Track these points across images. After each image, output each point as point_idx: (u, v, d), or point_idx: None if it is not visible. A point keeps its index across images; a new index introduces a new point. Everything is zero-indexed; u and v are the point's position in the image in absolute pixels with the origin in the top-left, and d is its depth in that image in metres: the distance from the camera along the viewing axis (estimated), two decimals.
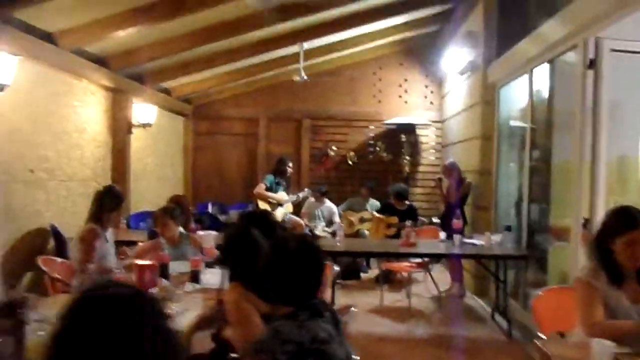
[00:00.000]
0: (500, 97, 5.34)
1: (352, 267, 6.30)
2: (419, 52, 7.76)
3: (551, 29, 3.96)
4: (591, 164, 3.56)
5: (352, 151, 7.97)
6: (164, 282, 2.79)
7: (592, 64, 3.53)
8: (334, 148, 7.96)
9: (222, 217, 6.71)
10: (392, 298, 5.34)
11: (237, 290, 1.88)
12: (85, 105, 5.23)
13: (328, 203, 7.02)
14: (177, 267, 3.05)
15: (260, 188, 6.30)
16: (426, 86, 7.91)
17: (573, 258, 3.70)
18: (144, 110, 6.05)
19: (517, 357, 3.86)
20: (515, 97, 5.04)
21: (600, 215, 3.53)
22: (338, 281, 5.31)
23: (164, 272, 2.93)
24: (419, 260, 5.18)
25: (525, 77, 4.65)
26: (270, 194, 6.34)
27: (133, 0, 4.30)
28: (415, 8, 6.26)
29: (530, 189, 4.59)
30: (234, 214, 6.83)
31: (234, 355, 1.90)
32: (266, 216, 2.31)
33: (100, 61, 5.15)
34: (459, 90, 6.64)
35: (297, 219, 6.57)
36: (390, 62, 7.91)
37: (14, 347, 1.54)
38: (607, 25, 3.35)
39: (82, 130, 5.18)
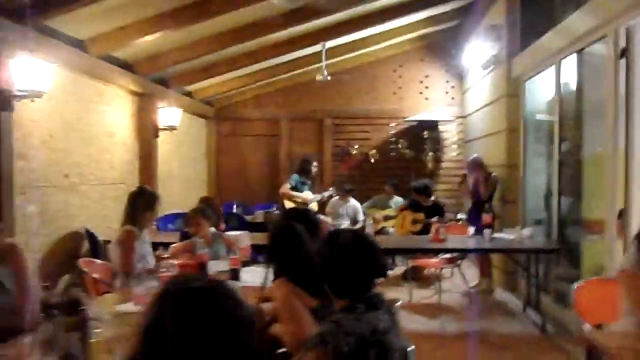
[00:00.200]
0: (526, 91, 5.30)
1: None
2: (439, 47, 7.73)
3: (579, 20, 3.92)
4: (625, 153, 3.52)
5: (374, 149, 7.97)
6: None
7: (624, 54, 3.49)
8: (356, 146, 7.98)
9: (247, 218, 6.78)
10: (420, 295, 5.34)
11: (285, 286, 1.91)
12: (114, 110, 5.34)
13: (352, 201, 7.03)
14: (214, 266, 3.11)
15: (286, 188, 6.36)
16: (447, 81, 7.88)
17: (608, 250, 3.66)
18: (169, 114, 6.14)
19: (552, 351, 3.83)
20: (542, 89, 5.00)
21: (636, 206, 3.50)
22: None
23: (202, 271, 2.98)
24: (448, 256, 5.17)
25: (552, 69, 4.60)
26: (295, 193, 6.38)
27: (158, 6, 4.38)
28: (436, 3, 6.25)
29: (560, 182, 4.55)
30: (259, 214, 6.90)
31: (281, 350, 1.94)
32: (308, 213, 2.34)
33: (127, 66, 5.25)
34: (481, 85, 6.60)
35: (323, 217, 6.60)
36: (410, 58, 7.89)
37: (80, 344, 1.60)
38: (638, 14, 3.31)
39: (112, 134, 5.28)
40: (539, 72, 4.92)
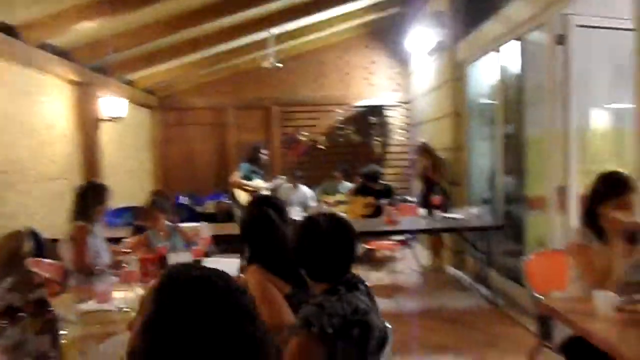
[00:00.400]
0: (469, 75, 5.51)
1: None
2: (383, 34, 7.85)
3: (518, 8, 4.12)
4: (564, 134, 3.77)
5: (322, 135, 8.02)
6: None
7: (561, 40, 3.71)
8: (304, 133, 7.99)
9: (197, 209, 6.66)
10: (374, 276, 5.48)
11: (259, 272, 1.92)
12: (52, 101, 5.04)
13: (303, 188, 7.06)
14: (174, 259, 3.04)
15: (236, 177, 6.28)
16: (392, 67, 8.02)
17: (550, 224, 3.92)
18: (111, 104, 5.88)
19: (503, 321, 4.07)
20: (485, 74, 5.21)
21: (573, 183, 3.76)
22: None
23: (162, 264, 2.91)
24: (400, 237, 5.33)
25: (494, 54, 4.81)
26: (246, 182, 6.33)
27: None
28: None
29: (503, 163, 4.80)
30: (210, 204, 6.79)
31: None
32: (275, 200, 2.34)
33: (64, 54, 4.96)
34: (426, 70, 6.78)
35: None
36: (355, 45, 7.97)
37: (50, 345, 1.53)
38: (573, 2, 3.52)
39: (51, 126, 5.00)
40: (482, 57, 5.12)
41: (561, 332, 2.39)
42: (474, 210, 4.85)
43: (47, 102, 4.94)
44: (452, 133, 5.75)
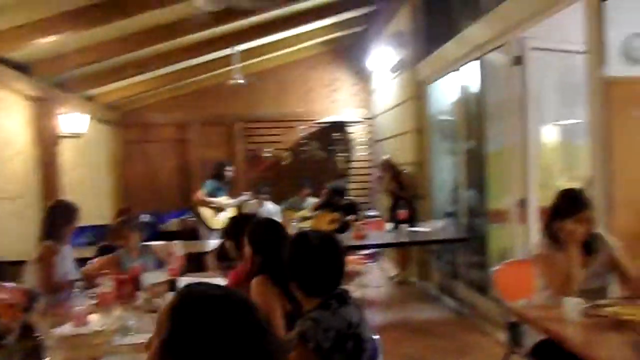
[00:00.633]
0: (431, 93, 5.71)
1: None
2: (346, 51, 8.03)
3: (478, 30, 4.34)
4: (523, 149, 3.97)
5: (286, 151, 8.07)
6: (140, 294, 2.73)
7: (518, 61, 3.94)
8: (268, 149, 8.01)
9: (161, 227, 6.53)
10: None
11: (265, 283, 1.92)
12: (8, 117, 4.87)
13: (269, 204, 7.06)
14: (149, 279, 2.99)
15: (201, 194, 6.23)
16: (354, 84, 8.20)
17: (511, 236, 4.10)
18: (72, 120, 5.72)
19: (469, 330, 4.20)
20: (446, 92, 5.42)
21: (533, 196, 3.97)
22: None
23: (136, 284, 2.86)
24: (367, 251, 5.42)
25: (455, 73, 5.03)
26: (211, 199, 6.28)
27: (61, 4, 4.08)
28: (342, 10, 6.49)
29: (466, 177, 4.98)
30: (174, 222, 6.68)
31: None
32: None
33: (23, 69, 4.81)
34: (388, 88, 6.98)
35: None
36: (318, 62, 8.10)
37: None
38: (530, 26, 3.75)
39: (8, 143, 4.81)
40: (443, 76, 5.33)
41: (529, 339, 2.51)
42: (439, 223, 5.00)
43: (4, 118, 4.77)
44: (415, 149, 5.93)
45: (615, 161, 3.01)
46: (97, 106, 6.76)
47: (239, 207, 6.78)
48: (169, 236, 5.87)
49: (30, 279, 2.97)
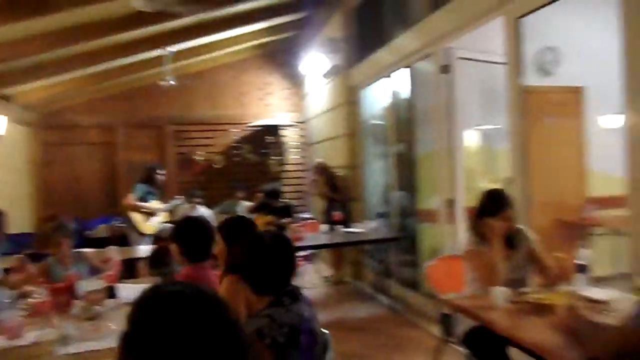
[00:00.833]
0: (363, 98, 5.92)
1: None
2: (278, 55, 8.08)
3: (408, 40, 4.58)
4: (450, 152, 4.24)
5: (218, 155, 7.98)
6: (78, 302, 2.63)
7: (445, 70, 4.20)
8: (200, 153, 7.88)
9: (88, 233, 6.24)
10: None
11: (234, 282, 1.91)
12: None
13: (201, 209, 6.95)
14: (82, 287, 2.87)
15: (131, 199, 6.02)
16: (286, 88, 8.27)
17: (440, 234, 4.36)
18: None
19: (404, 326, 4.40)
20: (378, 97, 5.65)
21: (460, 196, 4.24)
22: None
23: (72, 293, 2.75)
24: (303, 253, 5.50)
25: (386, 80, 5.25)
26: (142, 204, 6.09)
27: None
28: (274, 15, 6.56)
29: (397, 179, 5.21)
30: (102, 229, 6.40)
31: None
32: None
33: None
34: (321, 92, 7.12)
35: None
36: (251, 65, 8.10)
37: None
38: (456, 37, 4.02)
39: None
40: (374, 82, 5.54)
41: (460, 328, 2.71)
42: (372, 224, 5.19)
43: None
44: (347, 152, 6.11)
45: (531, 164, 3.32)
46: (15, 106, 6.33)
47: (171, 211, 6.63)
48: (96, 243, 5.63)
49: None
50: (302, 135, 8.29)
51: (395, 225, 5.24)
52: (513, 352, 2.40)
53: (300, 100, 8.27)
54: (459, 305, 2.44)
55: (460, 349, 2.86)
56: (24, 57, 5.02)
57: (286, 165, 8.30)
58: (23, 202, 6.82)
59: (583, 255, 2.41)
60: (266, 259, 1.69)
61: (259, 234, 1.79)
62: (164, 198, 6.55)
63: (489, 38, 3.83)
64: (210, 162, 7.94)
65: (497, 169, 4.94)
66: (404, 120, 5.13)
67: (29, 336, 2.11)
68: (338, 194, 5.89)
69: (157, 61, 6.35)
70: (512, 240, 2.71)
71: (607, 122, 4.98)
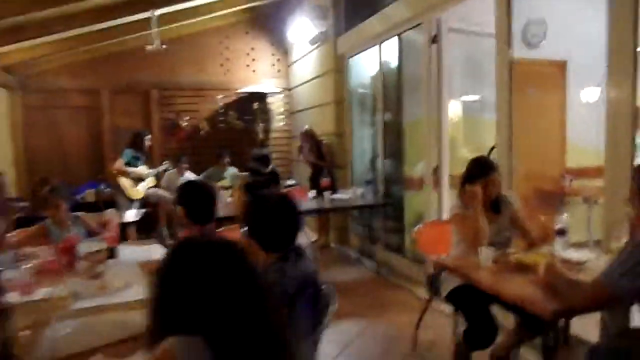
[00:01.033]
0: (351, 66, 5.96)
1: None
2: (265, 21, 8.00)
3: (398, 9, 4.61)
4: (437, 121, 4.36)
5: (204, 121, 7.96)
6: (80, 263, 2.72)
7: (435, 40, 4.28)
8: (186, 118, 7.85)
9: (77, 197, 6.25)
10: None
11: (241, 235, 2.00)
12: None
13: (188, 174, 7.00)
14: (84, 247, 2.95)
15: (120, 163, 6.06)
16: (273, 54, 8.23)
17: (426, 201, 4.52)
18: None
19: (388, 288, 4.61)
20: (366, 66, 5.70)
21: (445, 164, 4.39)
22: None
23: (72, 254, 2.82)
24: None
25: (375, 49, 5.30)
26: (130, 169, 6.12)
27: None
28: None
29: (384, 147, 5.34)
30: (89, 194, 6.42)
31: None
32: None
33: None
34: (307, 60, 7.12)
35: (162, 192, 6.47)
36: (236, 31, 8.00)
37: (4, 336, 1.51)
38: (446, 8, 4.09)
39: None
40: (363, 51, 5.59)
41: (445, 287, 2.88)
42: (359, 190, 5.33)
43: None
44: (334, 120, 6.18)
45: (514, 134, 3.46)
46: None
47: (157, 176, 6.67)
48: (84, 207, 5.65)
49: None
50: (287, 103, 8.30)
51: (382, 192, 5.39)
52: (494, 309, 2.59)
53: (286, 67, 8.25)
54: (446, 265, 2.60)
55: (446, 306, 3.06)
56: (2, 19, 4.89)
57: (272, 132, 8.33)
58: (6, 167, 6.74)
59: (562, 220, 2.58)
60: (272, 216, 1.80)
61: (262, 195, 1.89)
62: (150, 163, 6.58)
63: (477, 10, 3.91)
64: (196, 128, 7.93)
65: (477, 139, 5.09)
66: (392, 88, 5.21)
67: (39, 293, 2.20)
68: (324, 161, 6.00)
69: (141, 25, 6.23)
70: (497, 204, 2.87)
71: (587, 96, 5.15)
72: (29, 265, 2.39)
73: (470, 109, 5.24)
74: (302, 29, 6.81)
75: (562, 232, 2.56)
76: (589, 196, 4.70)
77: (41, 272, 2.43)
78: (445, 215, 4.16)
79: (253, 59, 8.18)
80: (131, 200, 6.06)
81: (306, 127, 6.50)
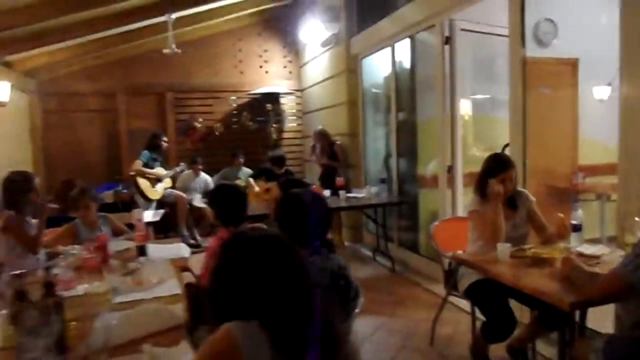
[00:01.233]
0: (364, 67, 6.05)
1: None
2: (277, 23, 8.11)
3: (411, 11, 4.70)
4: (451, 120, 4.45)
5: (218, 122, 8.09)
6: (113, 260, 2.84)
7: (448, 41, 4.36)
8: (200, 120, 7.98)
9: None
10: None
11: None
12: None
13: (203, 175, 7.14)
14: (114, 246, 3.08)
15: (137, 165, 6.20)
16: (285, 56, 8.34)
17: (441, 199, 4.61)
18: None
19: (403, 284, 4.70)
20: (379, 66, 5.79)
21: (459, 162, 4.47)
22: None
23: (104, 252, 2.94)
24: None
25: (388, 49, 5.39)
26: (148, 169, 6.26)
27: None
28: None
29: (397, 146, 5.42)
30: (108, 194, 6.56)
31: None
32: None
33: None
34: (319, 61, 7.21)
35: (179, 192, 6.61)
36: (249, 33, 8.13)
37: (58, 325, 1.62)
38: (459, 10, 4.17)
39: None
40: (376, 51, 5.68)
41: (463, 283, 2.97)
42: (373, 189, 5.42)
43: None
44: (348, 120, 6.28)
45: (528, 132, 3.53)
46: (15, 73, 6.35)
47: (174, 177, 6.81)
48: (102, 208, 5.79)
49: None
50: (298, 103, 8.41)
51: (396, 190, 5.48)
52: (512, 303, 2.68)
53: (298, 68, 8.36)
54: (466, 260, 2.69)
55: (463, 302, 3.15)
56: (25, 25, 5.04)
57: (284, 133, 8.45)
58: (24, 168, 6.90)
59: (577, 216, 2.66)
60: (305, 213, 1.90)
61: (296, 193, 1.99)
62: (166, 165, 6.72)
63: (489, 10, 3.99)
64: (210, 129, 8.06)
65: (489, 137, 5.14)
66: (405, 88, 5.30)
67: (80, 289, 2.32)
68: (336, 160, 6.10)
69: (156, 28, 6.38)
70: (513, 201, 2.95)
71: (599, 93, 5.21)
72: (67, 262, 2.51)
73: (479, 108, 5.31)
74: (314, 31, 6.91)
75: (577, 228, 2.64)
76: (602, 193, 4.76)
77: (80, 268, 2.55)
78: (460, 213, 4.24)
79: (266, 61, 8.29)
80: (149, 201, 6.20)
81: (320, 127, 6.60)
